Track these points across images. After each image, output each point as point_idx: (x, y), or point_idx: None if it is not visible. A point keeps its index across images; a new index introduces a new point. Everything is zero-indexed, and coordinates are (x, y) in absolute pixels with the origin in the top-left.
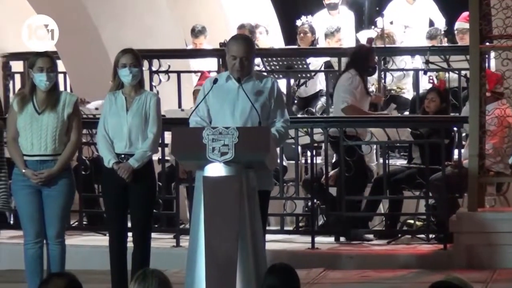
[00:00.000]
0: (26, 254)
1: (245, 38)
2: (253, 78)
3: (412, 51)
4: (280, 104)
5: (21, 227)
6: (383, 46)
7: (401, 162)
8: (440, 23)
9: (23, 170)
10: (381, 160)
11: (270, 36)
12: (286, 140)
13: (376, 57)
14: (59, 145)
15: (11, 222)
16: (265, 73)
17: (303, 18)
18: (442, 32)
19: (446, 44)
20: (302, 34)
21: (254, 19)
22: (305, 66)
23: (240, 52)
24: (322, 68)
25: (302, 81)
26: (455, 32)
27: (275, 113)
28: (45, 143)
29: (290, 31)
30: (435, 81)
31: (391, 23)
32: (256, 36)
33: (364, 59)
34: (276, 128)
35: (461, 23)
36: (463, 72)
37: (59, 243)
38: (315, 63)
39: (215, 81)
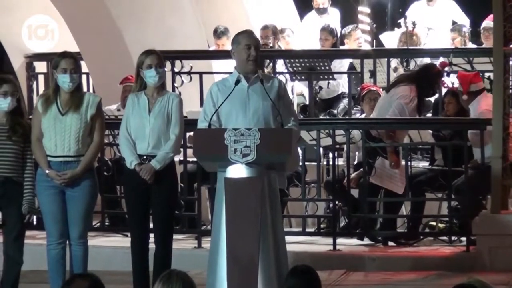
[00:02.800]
0: (49, 254)
1: (252, 31)
2: (260, 78)
3: (435, 53)
4: (288, 104)
5: (44, 228)
6: (405, 48)
7: (424, 164)
8: (464, 23)
9: (47, 171)
10: (403, 162)
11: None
12: (298, 138)
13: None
14: (82, 146)
15: (34, 222)
16: (277, 74)
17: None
18: (467, 30)
19: (470, 46)
20: (322, 42)
21: (277, 20)
22: (327, 67)
23: (253, 40)
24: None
25: (323, 83)
26: (481, 31)
27: (284, 113)
28: (68, 144)
29: None
30: (448, 84)
31: (414, 23)
32: (287, 39)
33: (430, 80)
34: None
35: (489, 22)
36: (486, 74)
37: (82, 243)
38: (338, 65)
39: (237, 82)
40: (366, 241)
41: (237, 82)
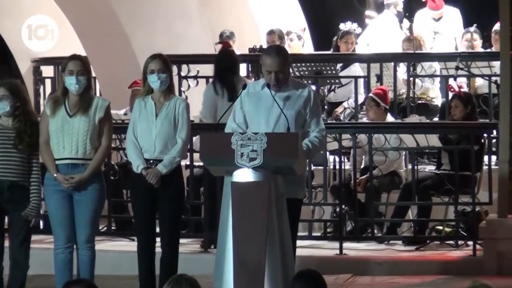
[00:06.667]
0: (56, 259)
1: (278, 51)
2: (290, 85)
3: (441, 57)
4: (315, 114)
5: (52, 232)
6: (411, 52)
7: (430, 168)
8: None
9: (55, 175)
10: (410, 166)
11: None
12: (321, 150)
13: None
14: (90, 149)
15: (41, 227)
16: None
17: (348, 24)
18: (473, 30)
19: (478, 49)
20: (349, 46)
21: (284, 24)
22: (334, 72)
23: (274, 66)
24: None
25: (332, 86)
26: (492, 34)
27: (310, 122)
28: (76, 147)
29: (320, 36)
30: (455, 88)
31: (411, 21)
32: (288, 43)
33: (232, 66)
34: (310, 139)
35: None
36: (493, 78)
37: (89, 248)
38: (352, 68)
39: (244, 86)
40: (373, 245)
41: (244, 86)
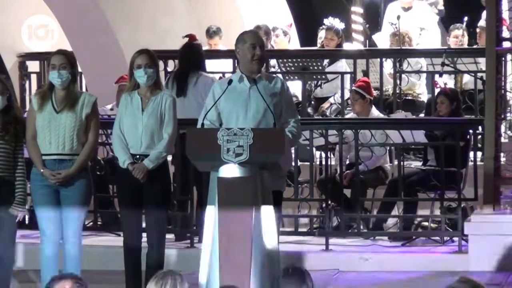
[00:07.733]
0: (42, 254)
1: (256, 30)
2: (263, 78)
3: (427, 53)
4: (290, 104)
5: (38, 227)
6: (398, 48)
7: (416, 164)
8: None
9: (41, 170)
10: (396, 162)
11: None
12: (299, 139)
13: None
14: (77, 144)
15: (26, 221)
16: (274, 74)
17: (331, 20)
18: (462, 27)
19: (464, 45)
20: (327, 42)
21: (270, 20)
22: (320, 67)
23: (259, 40)
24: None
25: (319, 82)
26: (477, 30)
27: (286, 113)
28: (62, 142)
29: (306, 32)
30: (440, 84)
31: (398, 17)
32: (274, 39)
33: (196, 60)
34: (289, 129)
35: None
36: (479, 75)
37: (76, 243)
38: (339, 64)
39: (230, 81)
40: (359, 240)
41: (230, 81)
